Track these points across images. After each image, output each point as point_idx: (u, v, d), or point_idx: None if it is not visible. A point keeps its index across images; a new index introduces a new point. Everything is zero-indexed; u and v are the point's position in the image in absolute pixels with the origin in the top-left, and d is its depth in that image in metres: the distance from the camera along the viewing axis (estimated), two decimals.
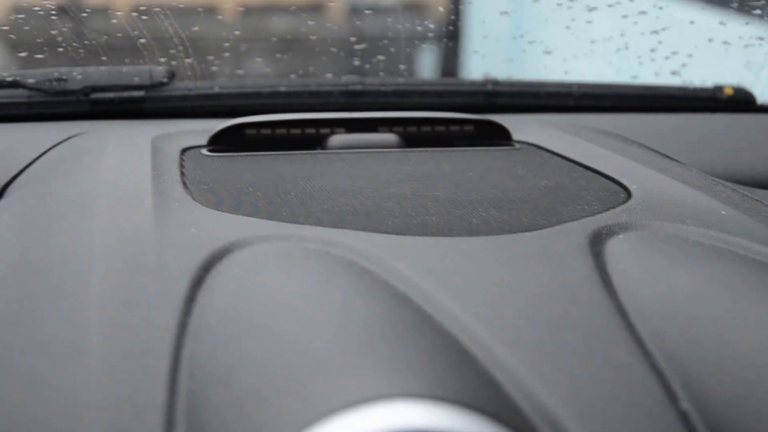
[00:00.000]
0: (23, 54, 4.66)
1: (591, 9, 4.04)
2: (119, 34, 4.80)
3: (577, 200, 1.08)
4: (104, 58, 4.73)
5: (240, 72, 1.94)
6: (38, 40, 4.57)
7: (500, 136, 1.27)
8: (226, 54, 4.68)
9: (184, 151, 1.18)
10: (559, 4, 3.54)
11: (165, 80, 1.41)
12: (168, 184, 1.04)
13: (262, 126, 1.21)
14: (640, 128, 1.51)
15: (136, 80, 1.42)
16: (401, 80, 1.54)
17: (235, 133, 1.21)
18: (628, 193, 1.09)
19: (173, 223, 0.94)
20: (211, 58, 1.77)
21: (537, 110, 1.55)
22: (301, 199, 1.04)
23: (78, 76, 1.40)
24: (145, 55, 4.66)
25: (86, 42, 4.84)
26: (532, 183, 1.14)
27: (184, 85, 1.46)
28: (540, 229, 0.97)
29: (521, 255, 0.92)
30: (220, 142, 1.20)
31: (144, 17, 4.72)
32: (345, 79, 1.47)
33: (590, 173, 1.17)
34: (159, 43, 4.79)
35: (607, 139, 1.34)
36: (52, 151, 1.25)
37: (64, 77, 1.41)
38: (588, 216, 1.01)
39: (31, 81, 1.39)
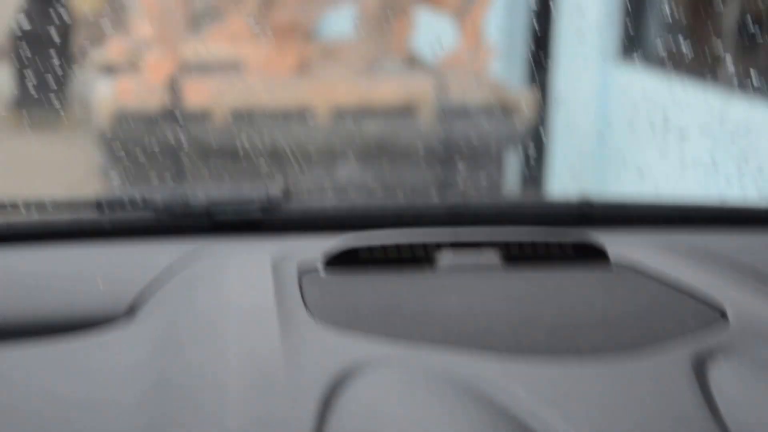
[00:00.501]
0: (126, 158, 4.91)
1: (684, 137, 4.10)
2: (218, 139, 5.02)
3: (676, 322, 1.10)
4: (205, 163, 4.93)
5: (338, 180, 2.01)
6: (141, 145, 4.82)
7: (597, 255, 1.29)
8: (320, 159, 4.83)
9: (301, 270, 1.21)
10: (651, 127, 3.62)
11: (280, 197, 1.45)
12: (291, 305, 1.09)
13: (377, 248, 1.24)
14: (732, 246, 1.52)
15: (254, 197, 1.45)
16: (499, 198, 1.61)
17: (349, 252, 1.23)
18: (725, 316, 1.11)
19: (299, 345, 0.98)
20: (314, 172, 1.84)
21: (628, 226, 1.56)
22: (416, 320, 1.08)
23: (199, 194, 1.45)
24: (242, 160, 4.85)
25: (187, 146, 5.05)
26: (630, 305, 1.17)
27: (299, 202, 1.51)
28: (643, 352, 1.00)
29: (627, 378, 0.95)
30: (335, 260, 1.22)
31: (241, 122, 4.95)
32: (447, 197, 1.56)
33: (685, 295, 1.19)
34: (254, 146, 4.98)
35: (700, 259, 1.36)
36: (178, 269, 1.28)
37: (186, 195, 1.45)
38: (688, 339, 1.03)
39: (155, 199, 1.43)
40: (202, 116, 5.16)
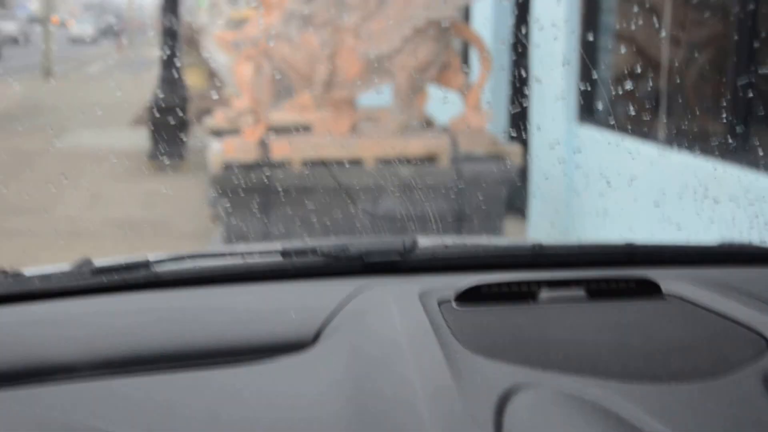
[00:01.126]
0: (230, 194, 4.98)
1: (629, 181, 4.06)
2: (296, 181, 5.08)
3: (735, 348, 1.04)
4: (287, 198, 4.98)
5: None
6: (241, 185, 4.89)
7: (653, 289, 1.23)
8: (368, 194, 4.86)
9: (441, 303, 1.17)
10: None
11: (412, 244, 1.39)
12: (443, 335, 1.04)
13: (494, 285, 1.20)
14: (754, 280, 1.40)
15: (393, 244, 1.39)
16: (569, 244, 1.54)
17: (474, 289, 1.20)
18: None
19: (462, 371, 0.94)
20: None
21: (667, 265, 1.45)
22: (543, 347, 1.04)
23: (354, 244, 1.39)
24: (314, 195, 4.90)
25: (273, 185, 5.10)
26: (692, 333, 1.11)
27: (427, 248, 1.43)
28: (722, 376, 0.95)
29: (717, 400, 0.90)
30: (464, 296, 1.18)
31: (312, 168, 5.01)
32: (532, 243, 1.49)
33: (732, 323, 1.12)
34: (321, 186, 5.03)
35: (731, 291, 1.27)
36: (347, 305, 1.20)
37: (345, 245, 1.38)
38: (753, 364, 0.97)
39: (322, 249, 1.37)
40: (284, 165, 5.24)
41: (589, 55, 5.17)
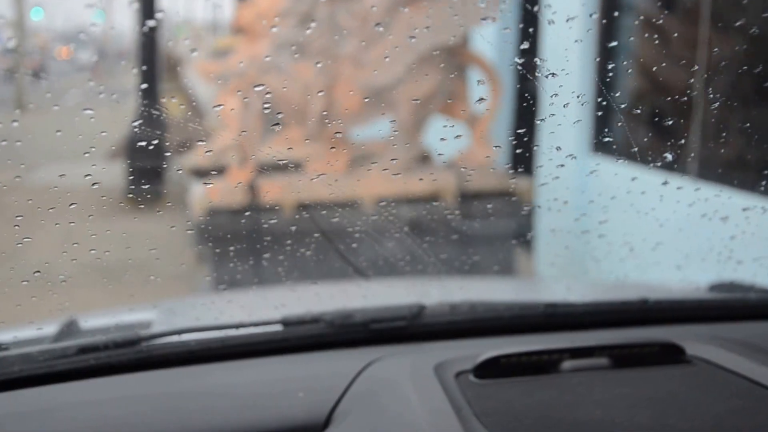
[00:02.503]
0: (215, 243, 4.34)
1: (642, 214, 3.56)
2: (288, 226, 4.45)
3: None
4: (279, 245, 4.29)
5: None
6: (230, 237, 4.25)
7: (676, 353, 1.15)
8: (368, 238, 4.21)
9: (458, 378, 1.09)
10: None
11: (419, 310, 1.29)
12: (467, 419, 0.95)
13: (514, 355, 1.11)
14: None
15: (399, 312, 1.29)
16: (583, 303, 1.41)
17: (491, 360, 1.10)
18: None
19: None
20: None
21: (682, 322, 1.37)
22: (569, 431, 0.94)
23: (359, 311, 1.29)
24: (309, 242, 4.20)
25: (263, 232, 4.46)
26: (728, 405, 1.02)
27: (434, 312, 1.33)
28: None
29: None
30: (481, 367, 1.09)
31: (305, 212, 4.40)
32: (544, 303, 1.34)
33: (766, 391, 1.04)
34: (316, 231, 4.39)
35: (755, 351, 1.19)
36: (357, 381, 1.12)
37: (349, 313, 1.28)
38: None
39: (325, 317, 1.27)
40: (275, 209, 4.60)
41: (606, 80, 4.63)
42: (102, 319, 1.47)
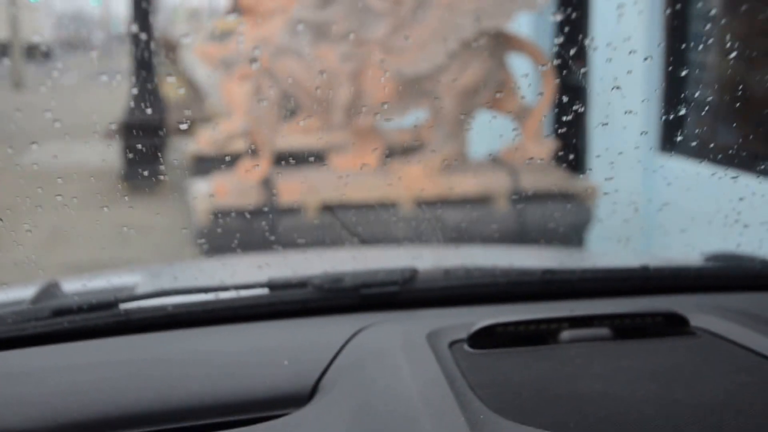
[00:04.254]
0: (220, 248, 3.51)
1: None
2: (308, 233, 3.62)
3: None
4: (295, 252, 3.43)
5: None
6: (239, 242, 3.43)
7: (681, 323, 1.05)
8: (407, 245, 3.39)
9: (452, 347, 1.00)
10: None
11: (412, 275, 1.18)
12: (462, 391, 0.87)
13: (509, 325, 1.02)
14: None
15: (392, 276, 1.17)
16: (581, 268, 1.27)
17: (487, 329, 1.00)
18: None
19: None
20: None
21: (685, 291, 1.27)
22: (575, 404, 0.86)
23: (349, 275, 1.17)
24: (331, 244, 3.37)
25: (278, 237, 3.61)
26: (733, 380, 0.93)
27: (428, 277, 1.21)
28: None
29: None
30: (476, 337, 0.99)
31: (329, 215, 3.58)
32: (542, 269, 1.24)
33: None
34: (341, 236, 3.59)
35: (758, 322, 1.09)
36: (346, 350, 1.01)
37: (339, 277, 1.17)
38: None
39: (314, 281, 1.15)
40: (296, 211, 3.72)
41: (675, 72, 3.83)
42: (85, 283, 1.39)
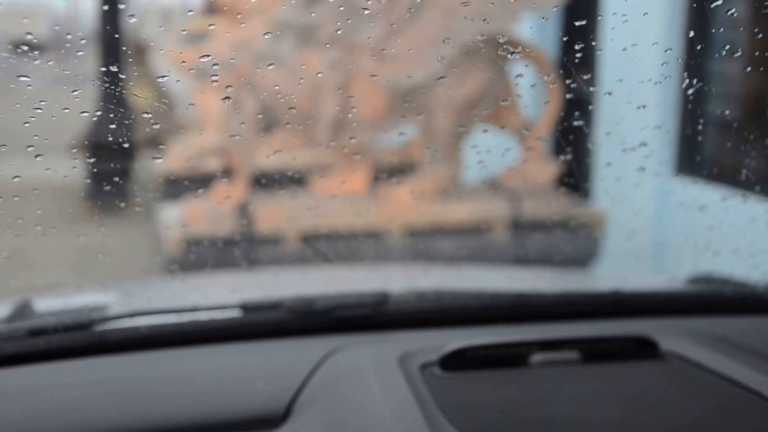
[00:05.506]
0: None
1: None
2: (289, 262, 3.42)
3: (749, 423, 0.89)
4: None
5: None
6: (210, 270, 3.30)
7: (650, 347, 1.06)
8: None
9: (423, 370, 1.02)
10: None
11: (384, 298, 1.21)
12: (432, 414, 0.89)
13: (480, 348, 1.04)
14: (746, 331, 1.23)
15: (364, 299, 1.20)
16: (554, 293, 1.31)
17: (458, 353, 1.02)
18: None
19: None
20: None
21: (656, 315, 1.27)
22: (538, 429, 0.89)
23: (322, 298, 1.20)
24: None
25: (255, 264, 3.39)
26: (701, 404, 0.95)
27: (400, 300, 1.22)
28: None
29: None
30: (447, 359, 1.01)
31: (310, 243, 3.37)
32: (514, 293, 1.27)
33: (739, 389, 0.97)
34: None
35: (727, 346, 1.12)
36: (319, 371, 1.04)
37: (311, 299, 1.18)
38: None
39: (287, 303, 1.18)
40: (274, 241, 3.49)
41: (694, 89, 3.64)
42: (58, 302, 1.40)
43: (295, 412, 0.96)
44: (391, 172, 4.19)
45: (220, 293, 1.68)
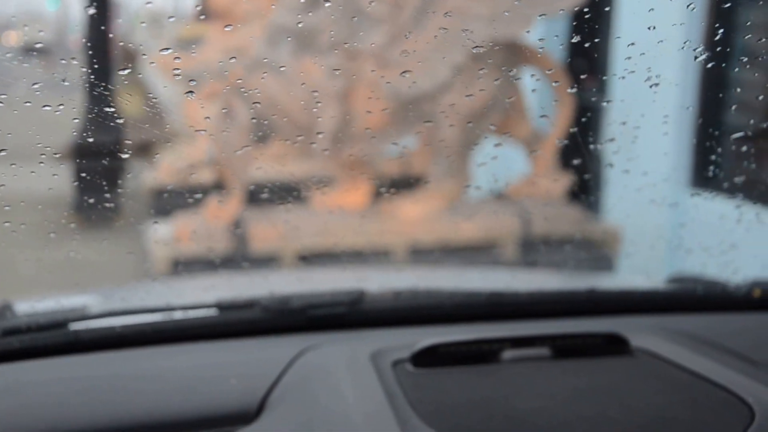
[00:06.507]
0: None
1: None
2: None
3: (717, 418, 0.92)
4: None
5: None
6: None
7: (621, 344, 1.09)
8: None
9: (395, 367, 1.04)
10: None
11: (360, 296, 1.23)
12: (402, 410, 0.92)
13: (452, 345, 1.06)
14: (717, 328, 1.27)
15: (339, 298, 1.22)
16: (529, 292, 1.33)
17: (430, 349, 1.04)
18: (750, 409, 0.93)
19: None
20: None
21: (634, 313, 1.31)
22: (509, 426, 0.91)
23: (297, 297, 1.22)
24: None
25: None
26: (669, 399, 0.98)
27: (376, 298, 1.25)
28: None
29: None
30: (419, 356, 1.04)
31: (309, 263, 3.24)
32: (489, 292, 1.29)
33: (708, 385, 1.00)
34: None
35: (699, 344, 1.15)
36: (292, 369, 1.06)
37: (287, 298, 1.20)
38: None
39: (262, 302, 1.20)
40: (271, 261, 3.35)
41: (713, 93, 3.53)
42: (38, 304, 1.39)
43: (267, 409, 0.99)
44: (394, 185, 4.03)
45: (196, 293, 1.72)
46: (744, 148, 3.79)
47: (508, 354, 1.08)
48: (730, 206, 3.46)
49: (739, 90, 3.87)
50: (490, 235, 3.57)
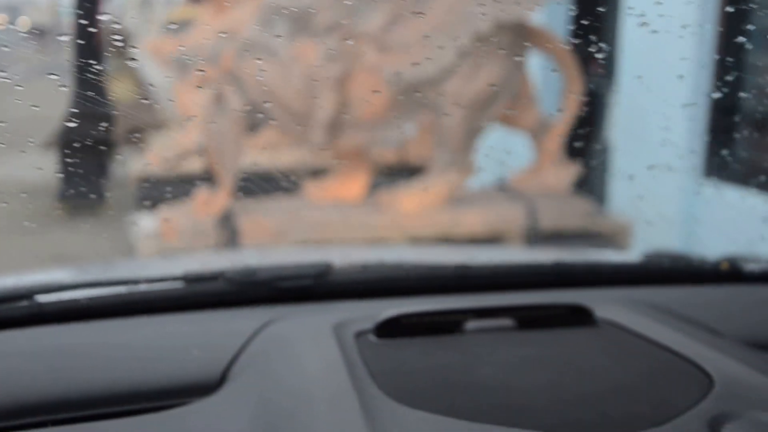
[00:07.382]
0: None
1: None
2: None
3: (677, 387, 0.94)
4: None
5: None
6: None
7: (585, 315, 1.12)
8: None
9: (357, 337, 1.05)
10: None
11: (327, 269, 1.24)
12: (361, 379, 0.93)
13: (415, 316, 1.09)
14: (684, 300, 1.29)
15: (306, 270, 1.23)
16: (496, 265, 1.37)
17: (393, 320, 1.07)
18: (710, 379, 0.95)
19: (381, 424, 0.84)
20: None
21: (598, 285, 1.35)
22: (470, 393, 0.93)
23: (264, 269, 1.23)
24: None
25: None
26: (630, 369, 1.00)
27: (343, 271, 1.27)
28: (664, 422, 0.84)
29: None
30: (383, 327, 1.05)
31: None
32: (456, 265, 1.31)
33: (670, 355, 1.02)
34: None
35: (664, 315, 1.18)
36: (255, 340, 1.08)
37: (253, 270, 1.22)
38: (694, 406, 0.88)
39: (228, 274, 1.22)
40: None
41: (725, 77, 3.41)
42: (6, 279, 1.40)
43: (228, 380, 1.01)
44: (393, 176, 3.90)
45: (163, 267, 1.76)
46: (757, 137, 3.70)
47: (471, 325, 1.10)
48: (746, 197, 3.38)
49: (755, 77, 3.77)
50: (494, 228, 3.45)
